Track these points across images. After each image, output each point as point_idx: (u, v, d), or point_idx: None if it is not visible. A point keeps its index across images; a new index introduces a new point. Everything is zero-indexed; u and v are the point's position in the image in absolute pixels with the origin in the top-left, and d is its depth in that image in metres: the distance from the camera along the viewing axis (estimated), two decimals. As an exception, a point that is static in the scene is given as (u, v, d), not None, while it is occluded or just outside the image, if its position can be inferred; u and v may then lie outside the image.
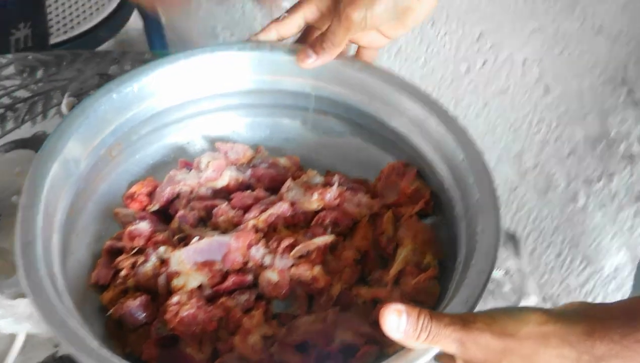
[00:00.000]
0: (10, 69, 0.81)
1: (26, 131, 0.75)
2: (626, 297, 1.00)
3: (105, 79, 0.75)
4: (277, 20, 0.67)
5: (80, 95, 0.70)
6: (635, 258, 0.99)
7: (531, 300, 0.68)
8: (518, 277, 0.69)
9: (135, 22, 1.44)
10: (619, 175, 0.98)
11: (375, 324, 0.57)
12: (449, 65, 1.13)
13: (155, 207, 0.65)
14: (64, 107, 0.73)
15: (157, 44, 1.46)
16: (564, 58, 0.98)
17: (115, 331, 0.58)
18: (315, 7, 0.65)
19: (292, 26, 0.67)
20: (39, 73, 0.80)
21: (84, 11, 1.23)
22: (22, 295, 0.53)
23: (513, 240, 0.75)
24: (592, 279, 1.06)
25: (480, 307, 0.66)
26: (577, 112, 1.00)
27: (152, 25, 1.46)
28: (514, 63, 1.04)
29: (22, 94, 0.78)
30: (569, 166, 1.03)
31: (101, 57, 0.82)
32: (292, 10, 0.66)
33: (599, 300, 1.06)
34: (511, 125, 1.07)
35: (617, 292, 1.02)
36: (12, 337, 0.62)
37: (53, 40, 1.14)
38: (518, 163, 1.08)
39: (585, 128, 1.00)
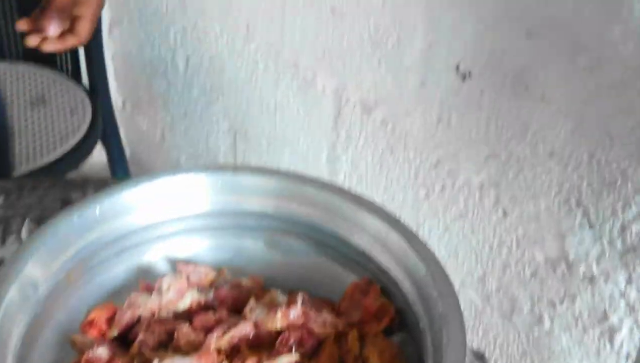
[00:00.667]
0: (-30, 198, 0.81)
1: (-17, 258, 0.74)
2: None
3: (67, 205, 0.74)
4: None
5: (41, 221, 0.70)
6: (604, 380, 0.98)
7: (502, 419, 0.66)
8: (487, 396, 0.68)
9: (98, 154, 1.46)
10: (581, 296, 0.99)
11: None
12: (409, 191, 1.15)
13: (114, 333, 0.64)
14: (24, 233, 0.72)
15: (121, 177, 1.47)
16: (519, 181, 1.01)
17: None
18: None
19: None
20: (0, 200, 0.80)
21: (48, 144, 1.25)
22: None
23: (482, 360, 0.74)
24: (562, 404, 1.04)
25: None
26: (536, 234, 1.02)
27: (116, 158, 1.48)
28: (471, 188, 1.06)
29: (-19, 221, 0.78)
30: (531, 288, 1.04)
31: (63, 184, 0.82)
32: None
33: (571, 426, 1.03)
34: (472, 248, 1.08)
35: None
36: None
37: (16, 173, 1.15)
38: (482, 286, 1.09)
39: (545, 250, 1.01)
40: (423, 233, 1.11)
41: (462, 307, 0.59)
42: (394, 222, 0.65)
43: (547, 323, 1.03)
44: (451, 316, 0.57)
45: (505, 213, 1.03)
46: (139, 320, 0.64)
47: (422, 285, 0.61)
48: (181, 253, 0.71)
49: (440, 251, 1.10)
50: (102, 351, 0.60)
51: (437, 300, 0.59)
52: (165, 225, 0.70)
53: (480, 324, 1.12)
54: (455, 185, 1.09)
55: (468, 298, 1.11)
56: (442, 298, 0.59)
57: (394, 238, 0.64)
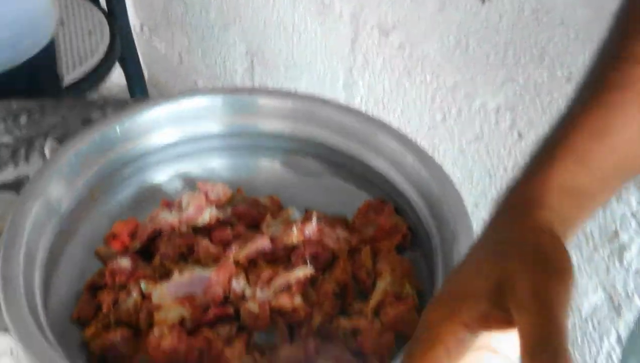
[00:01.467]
0: (-6, 116, 0.83)
1: (8, 174, 0.76)
2: (604, 338, 1.01)
3: (88, 124, 0.76)
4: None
5: (63, 140, 0.72)
6: (612, 299, 1.00)
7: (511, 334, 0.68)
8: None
9: (117, 76, 1.46)
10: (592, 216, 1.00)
11: (356, 353, 0.58)
12: (425, 114, 1.16)
13: (136, 245, 0.66)
14: (47, 151, 0.74)
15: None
16: (535, 105, 1.01)
17: (97, 367, 0.58)
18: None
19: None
20: (23, 119, 0.81)
21: (67, 65, 1.26)
22: (0, 331, 0.53)
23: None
24: (570, 320, 1.06)
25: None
26: (550, 157, 1.02)
27: (134, 80, 1.49)
28: (488, 111, 1.07)
29: (6, 139, 0.79)
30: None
31: (85, 104, 0.84)
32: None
33: (579, 342, 1.06)
34: (487, 170, 1.09)
35: (595, 332, 1.03)
36: (-8, 374, 0.61)
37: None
38: (495, 208, 1.10)
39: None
40: (438, 156, 1.11)
41: (474, 228, 0.60)
42: (409, 144, 0.66)
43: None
44: (463, 234, 0.59)
45: (520, 136, 1.04)
46: (160, 234, 0.66)
47: (435, 205, 0.63)
48: (199, 172, 0.73)
49: (454, 173, 1.11)
50: (125, 262, 0.62)
51: (449, 219, 0.60)
52: (183, 145, 0.72)
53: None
54: (471, 109, 1.09)
55: (481, 219, 1.12)
56: (454, 217, 0.60)
57: (409, 159, 0.66)
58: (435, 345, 0.40)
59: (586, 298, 1.02)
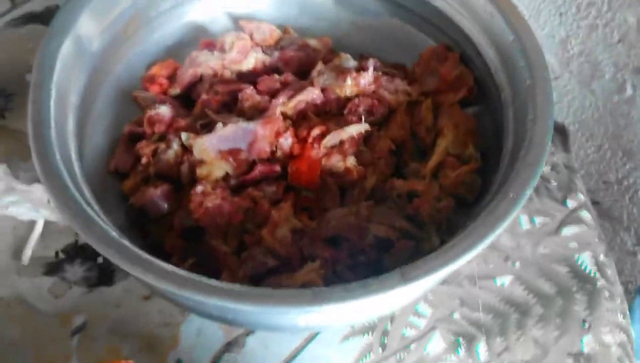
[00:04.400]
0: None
1: (38, 4, 0.70)
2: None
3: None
4: None
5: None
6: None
7: (579, 198, 0.63)
8: (565, 173, 0.65)
9: None
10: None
11: (411, 219, 0.53)
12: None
13: (176, 90, 0.61)
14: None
15: None
16: None
17: (137, 220, 0.55)
18: None
19: None
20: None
21: None
22: (38, 181, 0.50)
23: (562, 133, 0.70)
24: (632, 175, 1.01)
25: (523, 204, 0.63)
26: (631, -5, 0.92)
27: None
28: (564, -61, 0.95)
29: (32, -36, 0.73)
30: (617, 54, 0.96)
31: None
32: None
33: (639, 196, 1.02)
34: (557, 9, 0.99)
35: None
36: (31, 224, 0.59)
37: None
38: (562, 50, 1.01)
39: (638, 13, 0.92)
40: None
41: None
42: (481, -19, 0.58)
43: (629, 90, 0.97)
44: (539, 89, 0.52)
45: (599, -29, 0.93)
46: (200, 79, 0.61)
47: (508, 53, 0.55)
48: (243, 8, 0.65)
49: (521, 11, 1.02)
50: (165, 110, 0.57)
51: (524, 71, 0.54)
52: (226, -24, 0.64)
53: (555, 90, 1.06)
54: (545, -64, 0.97)
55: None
56: (530, 69, 0.53)
57: (480, 0, 0.57)
58: None
59: None
